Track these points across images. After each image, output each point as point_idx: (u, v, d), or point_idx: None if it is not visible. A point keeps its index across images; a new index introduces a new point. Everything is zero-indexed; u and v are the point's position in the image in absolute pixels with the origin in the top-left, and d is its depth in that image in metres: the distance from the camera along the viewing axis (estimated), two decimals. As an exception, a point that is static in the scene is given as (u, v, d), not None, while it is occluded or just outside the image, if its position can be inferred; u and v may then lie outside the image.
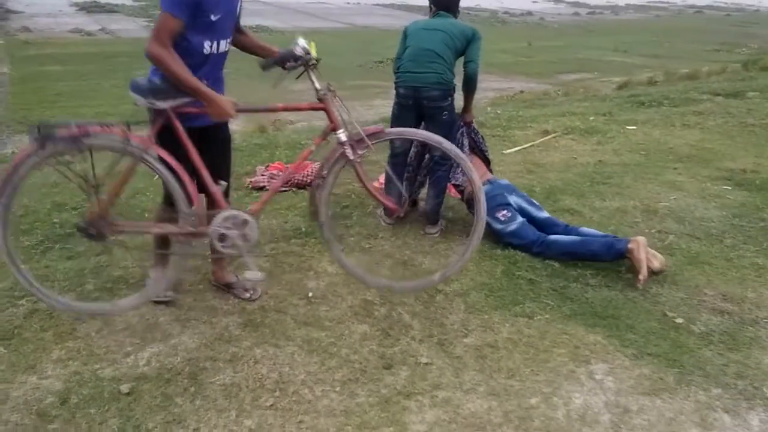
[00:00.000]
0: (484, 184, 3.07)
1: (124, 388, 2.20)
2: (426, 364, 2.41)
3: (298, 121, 7.02)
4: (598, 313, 2.77)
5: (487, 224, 2.97)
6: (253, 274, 2.50)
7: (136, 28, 22.50)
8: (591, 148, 5.45)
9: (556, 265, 3.17)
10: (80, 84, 11.58)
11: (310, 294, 2.88)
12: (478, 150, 3.73)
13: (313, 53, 2.43)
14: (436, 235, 3.53)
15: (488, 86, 10.20)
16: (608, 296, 2.91)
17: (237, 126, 8.23)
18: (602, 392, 2.27)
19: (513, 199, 3.44)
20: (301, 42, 2.42)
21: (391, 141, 3.40)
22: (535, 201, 3.56)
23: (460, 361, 2.43)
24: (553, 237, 3.24)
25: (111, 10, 29.04)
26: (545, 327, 2.66)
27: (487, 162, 3.78)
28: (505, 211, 3.34)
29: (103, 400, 2.15)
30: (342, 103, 2.50)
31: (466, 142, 3.60)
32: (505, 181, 3.61)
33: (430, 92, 3.29)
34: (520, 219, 3.32)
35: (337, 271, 3.07)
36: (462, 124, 3.59)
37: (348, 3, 35.09)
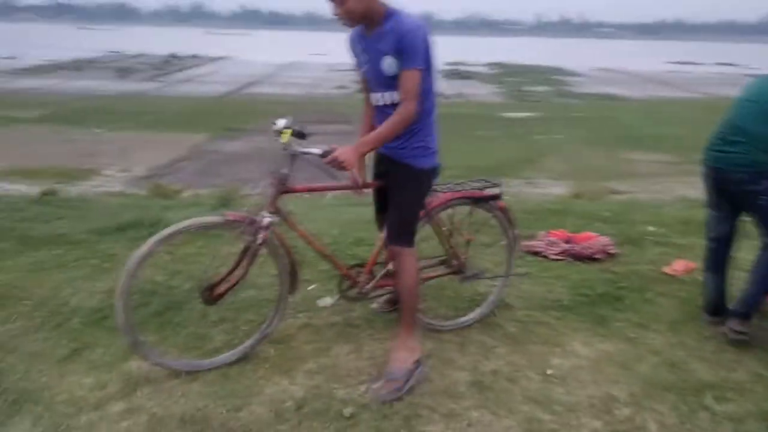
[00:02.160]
0: None
1: (347, 411, 2.41)
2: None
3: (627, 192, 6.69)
4: None
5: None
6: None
7: (485, 93, 24.52)
8: None
9: None
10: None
11: (549, 371, 2.72)
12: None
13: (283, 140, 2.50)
14: (740, 336, 2.94)
15: None
16: None
17: (552, 191, 8.39)
18: None
19: None
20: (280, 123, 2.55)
21: (708, 222, 3.10)
22: None
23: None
24: None
25: (468, 77, 32.24)
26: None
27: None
28: None
29: (328, 417, 2.38)
30: None
31: None
32: None
33: (734, 175, 2.83)
34: None
35: (589, 355, 2.83)
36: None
37: (710, 72, 32.11)
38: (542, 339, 2.99)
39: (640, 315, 3.22)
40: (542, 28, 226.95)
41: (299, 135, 2.59)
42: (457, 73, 33.77)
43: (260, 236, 2.52)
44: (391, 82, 2.43)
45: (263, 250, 2.59)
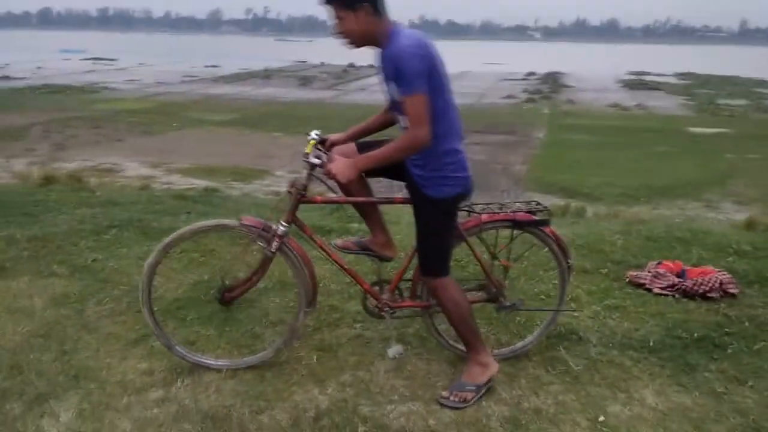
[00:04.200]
0: None
1: (362, 429, 2.33)
2: None
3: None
4: None
5: None
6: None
7: (671, 106, 22.46)
8: None
9: None
10: (597, 154, 12.42)
11: (602, 418, 2.39)
12: None
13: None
14: None
15: None
16: None
17: (734, 217, 7.39)
18: None
19: None
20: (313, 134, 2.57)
21: None
22: None
23: None
24: None
25: (654, 87, 29.79)
26: None
27: None
28: None
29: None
30: None
31: None
32: None
33: None
34: None
35: (657, 406, 2.45)
36: None
37: None
38: (608, 381, 2.64)
39: (739, 368, 2.71)
40: (747, 36, 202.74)
41: (323, 143, 2.61)
42: (640, 84, 31.43)
43: (274, 244, 2.53)
44: (401, 107, 2.29)
45: (280, 258, 2.60)
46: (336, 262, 2.73)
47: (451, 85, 2.36)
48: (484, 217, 2.64)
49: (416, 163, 2.41)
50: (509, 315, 3.04)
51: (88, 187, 6.99)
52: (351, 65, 38.61)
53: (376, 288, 2.77)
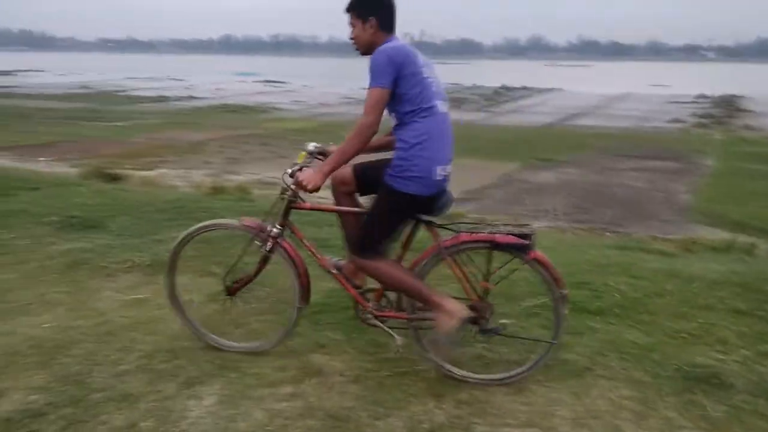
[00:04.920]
0: None
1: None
2: None
3: None
4: None
5: None
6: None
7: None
8: None
9: None
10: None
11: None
12: None
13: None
14: None
15: None
16: None
17: None
18: None
19: None
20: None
21: None
22: None
23: None
24: None
25: None
26: None
27: None
28: None
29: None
30: None
31: None
32: None
33: None
34: None
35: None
36: None
37: None
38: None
39: None
40: None
41: (322, 154, 2.93)
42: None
43: (268, 244, 2.87)
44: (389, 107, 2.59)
45: (275, 257, 2.92)
46: (324, 266, 2.98)
47: (437, 99, 2.60)
48: (464, 236, 2.68)
49: (393, 163, 2.63)
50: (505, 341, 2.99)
51: (249, 197, 7.67)
52: (503, 87, 38.35)
53: (364, 296, 2.94)
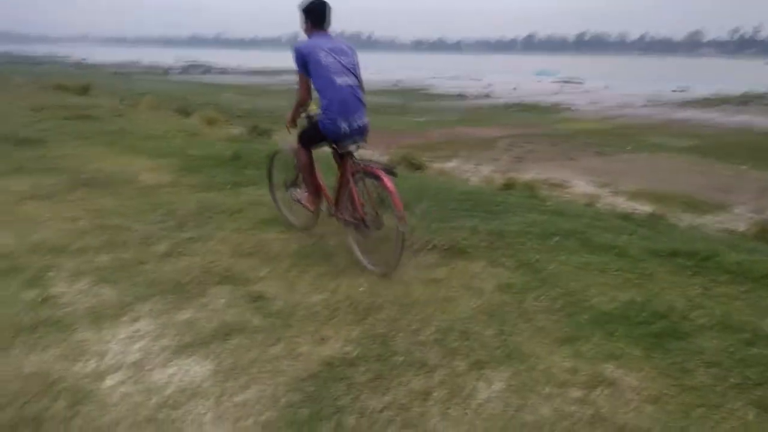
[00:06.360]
0: None
1: None
2: None
3: None
4: None
5: None
6: None
7: None
8: None
9: None
10: None
11: None
12: None
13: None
14: None
15: None
16: None
17: None
18: None
19: None
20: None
21: None
22: None
23: None
24: None
25: None
26: None
27: None
28: None
29: None
30: None
31: None
32: None
33: None
34: None
35: None
36: None
37: None
38: None
39: None
40: None
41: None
42: None
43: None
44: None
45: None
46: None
47: (337, 75, 3.92)
48: (357, 166, 4.05)
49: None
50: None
51: (539, 196, 7.61)
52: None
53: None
